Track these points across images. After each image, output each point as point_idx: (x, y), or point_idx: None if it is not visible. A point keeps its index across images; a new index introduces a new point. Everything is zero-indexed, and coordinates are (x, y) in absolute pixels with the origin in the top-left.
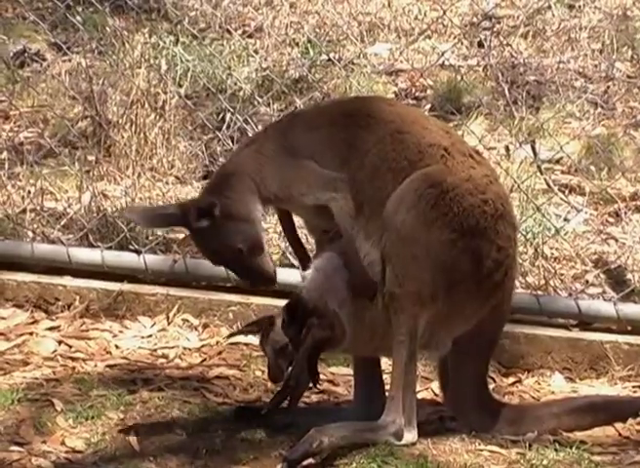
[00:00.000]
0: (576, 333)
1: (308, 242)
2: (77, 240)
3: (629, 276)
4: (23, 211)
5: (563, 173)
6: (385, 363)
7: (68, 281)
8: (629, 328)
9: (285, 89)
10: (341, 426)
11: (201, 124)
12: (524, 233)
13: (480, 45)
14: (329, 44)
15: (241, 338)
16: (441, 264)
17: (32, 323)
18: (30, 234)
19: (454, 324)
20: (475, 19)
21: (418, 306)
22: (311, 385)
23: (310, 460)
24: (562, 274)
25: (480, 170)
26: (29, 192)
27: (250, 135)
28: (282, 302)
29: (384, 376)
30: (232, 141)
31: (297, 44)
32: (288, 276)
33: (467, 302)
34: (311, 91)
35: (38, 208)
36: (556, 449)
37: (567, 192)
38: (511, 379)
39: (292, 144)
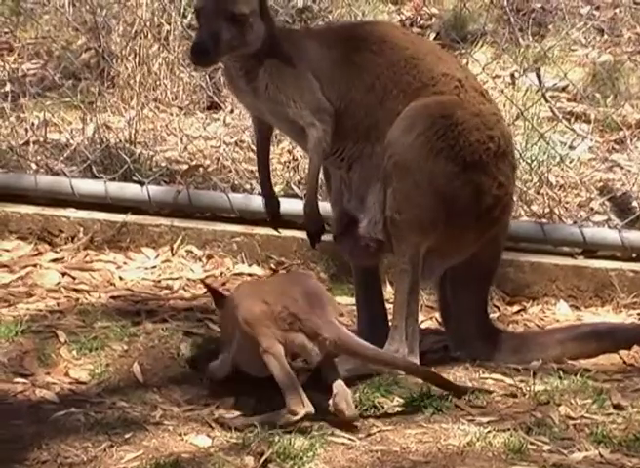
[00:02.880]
0: (581, 261)
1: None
2: (80, 171)
3: (634, 203)
4: (27, 142)
5: (568, 100)
6: (388, 293)
7: (72, 213)
8: (634, 255)
9: (289, 19)
10: (347, 359)
11: None
12: (529, 161)
13: None
14: None
15: (245, 269)
16: (441, 195)
17: (36, 255)
18: (34, 166)
19: (448, 255)
20: None
21: (419, 234)
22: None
23: None
24: (567, 202)
25: (489, 107)
26: (33, 124)
27: None
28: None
29: (387, 306)
30: None
31: None
32: (292, 206)
33: (464, 235)
34: (316, 20)
35: (41, 139)
36: (560, 377)
37: (572, 120)
38: (516, 308)
39: (304, 53)
